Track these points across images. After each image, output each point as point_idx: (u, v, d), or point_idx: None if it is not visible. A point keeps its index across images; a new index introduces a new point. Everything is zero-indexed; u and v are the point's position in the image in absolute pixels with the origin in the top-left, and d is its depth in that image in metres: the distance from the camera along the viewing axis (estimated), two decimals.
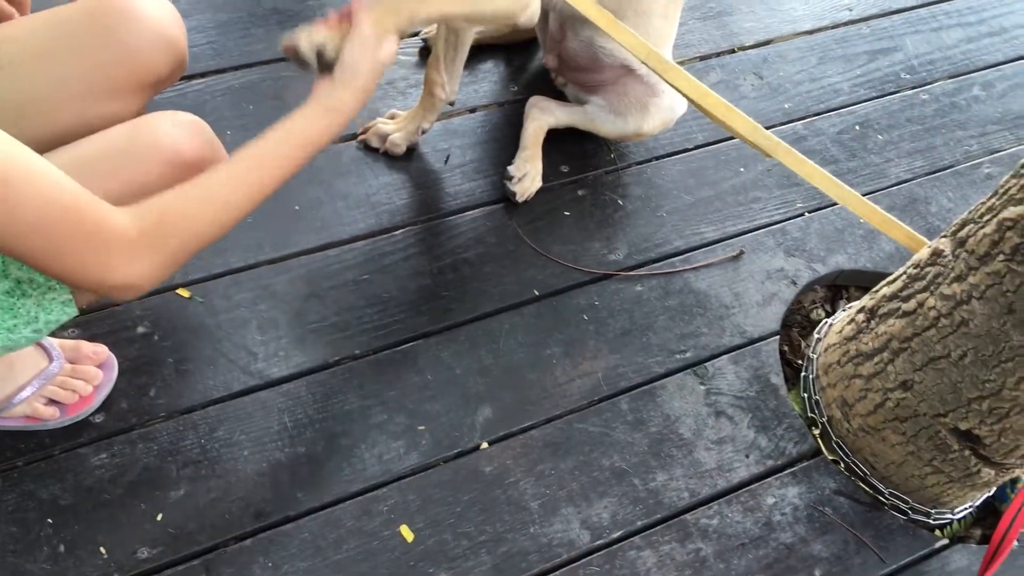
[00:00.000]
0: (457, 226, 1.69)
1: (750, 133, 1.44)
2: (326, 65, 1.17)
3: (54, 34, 1.17)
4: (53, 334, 1.36)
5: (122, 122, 1.15)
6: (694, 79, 1.44)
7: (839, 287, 1.81)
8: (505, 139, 1.79)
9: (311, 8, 1.91)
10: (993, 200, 1.27)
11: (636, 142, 1.85)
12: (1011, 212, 1.21)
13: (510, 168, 1.71)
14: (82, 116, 1.16)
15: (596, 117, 1.73)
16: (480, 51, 1.90)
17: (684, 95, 1.47)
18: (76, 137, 1.13)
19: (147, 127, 1.12)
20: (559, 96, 1.80)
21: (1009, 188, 1.24)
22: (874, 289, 1.53)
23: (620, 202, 1.78)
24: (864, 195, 1.59)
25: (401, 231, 1.66)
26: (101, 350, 1.37)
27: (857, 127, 2.01)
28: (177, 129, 1.12)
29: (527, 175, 1.71)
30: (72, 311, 1.11)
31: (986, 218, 1.27)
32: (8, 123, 1.15)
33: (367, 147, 1.74)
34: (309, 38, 1.18)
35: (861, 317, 1.51)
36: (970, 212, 1.33)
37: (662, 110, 1.71)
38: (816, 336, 1.64)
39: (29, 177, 0.88)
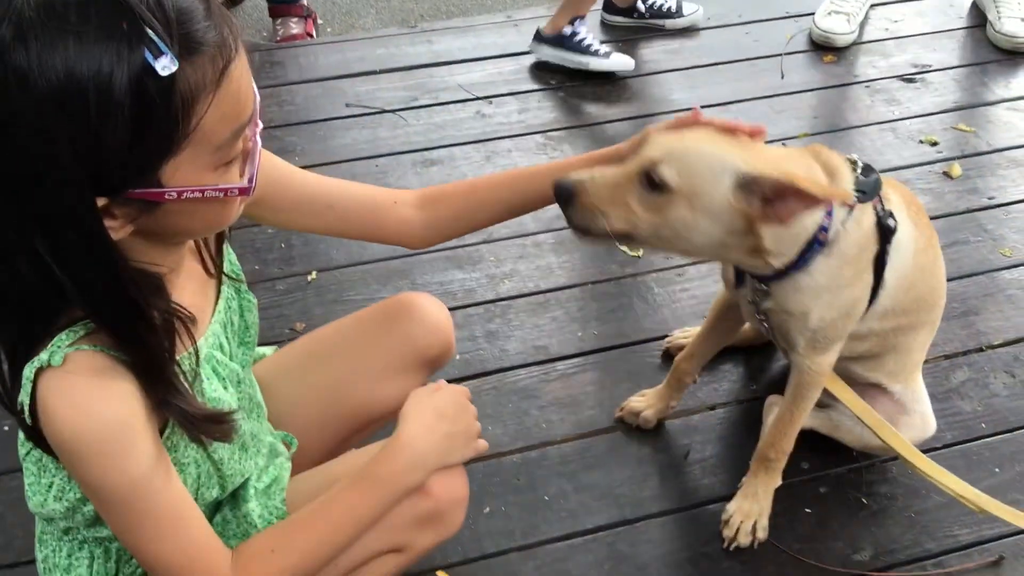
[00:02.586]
0: (697, 518, 1.74)
1: (960, 489, 1.60)
2: None
3: (357, 330, 1.49)
4: None
5: (402, 396, 1.36)
6: (905, 441, 1.64)
7: None
8: (743, 435, 1.86)
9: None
10: None
11: None
12: None
13: (728, 506, 1.71)
14: (373, 392, 1.45)
15: (840, 424, 1.76)
16: (723, 351, 2.02)
17: (896, 451, 1.65)
18: (369, 411, 1.43)
19: None
20: None
21: None
22: None
23: (865, 501, 1.77)
24: None
25: (643, 522, 1.73)
26: None
27: None
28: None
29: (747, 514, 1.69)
30: None
31: None
32: (325, 403, 1.45)
33: (623, 423, 1.89)
34: None
35: None
36: None
37: (912, 428, 1.72)
38: None
39: (190, 518, 1.08)
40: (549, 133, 2.70)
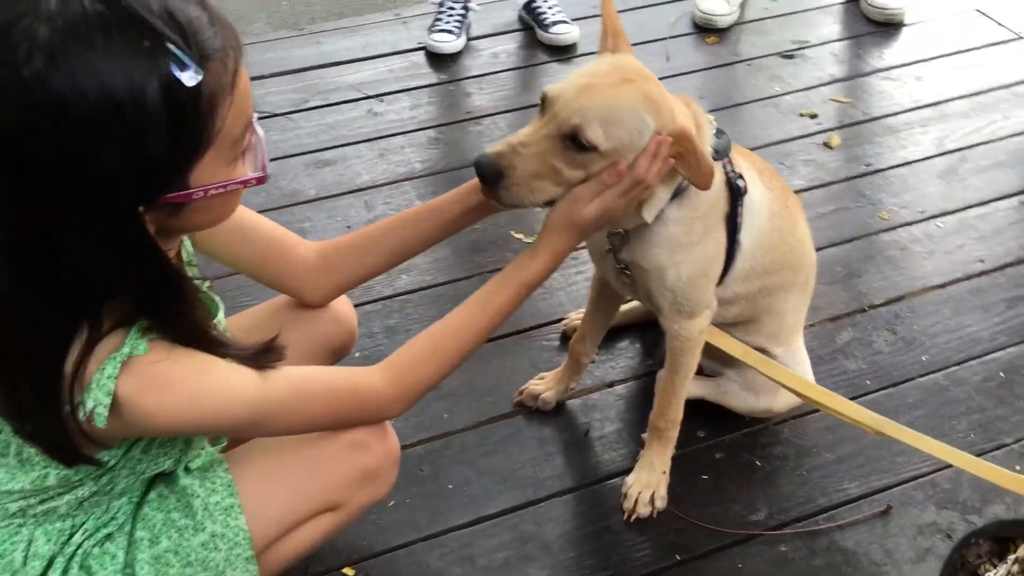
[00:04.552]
0: (599, 493, 1.78)
1: (855, 414, 1.63)
2: None
3: (269, 320, 1.53)
4: None
5: None
6: (795, 373, 1.67)
7: (1007, 539, 1.72)
8: (642, 409, 1.89)
9: None
10: None
11: None
12: None
13: (627, 479, 1.76)
14: None
15: (728, 391, 1.82)
16: (618, 330, 2.06)
17: (786, 387, 1.68)
18: None
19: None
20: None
21: None
22: None
23: (759, 463, 1.82)
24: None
25: (546, 502, 1.76)
26: None
27: (1002, 374, 1.99)
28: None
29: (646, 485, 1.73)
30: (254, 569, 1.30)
31: None
32: None
33: (523, 406, 1.92)
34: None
35: (1016, 568, 1.45)
36: None
37: None
38: None
39: (312, 382, 1.25)
40: (441, 128, 2.71)
